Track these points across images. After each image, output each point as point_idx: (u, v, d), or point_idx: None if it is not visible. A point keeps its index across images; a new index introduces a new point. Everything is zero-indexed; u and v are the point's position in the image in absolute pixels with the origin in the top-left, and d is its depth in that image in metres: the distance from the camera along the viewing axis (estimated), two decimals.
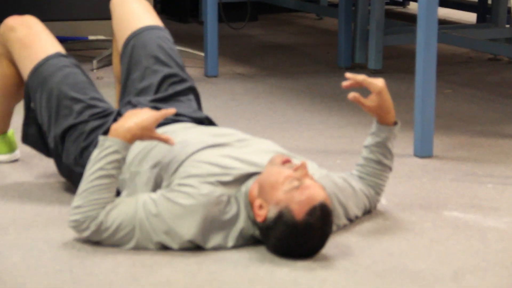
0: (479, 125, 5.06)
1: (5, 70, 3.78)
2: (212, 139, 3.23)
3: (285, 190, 2.88)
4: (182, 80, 3.69)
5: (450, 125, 5.02)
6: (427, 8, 4.21)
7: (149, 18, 3.83)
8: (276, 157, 3.02)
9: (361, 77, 3.22)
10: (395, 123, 3.36)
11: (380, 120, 3.32)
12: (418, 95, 4.32)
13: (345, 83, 3.26)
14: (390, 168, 3.43)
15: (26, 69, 3.62)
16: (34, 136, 3.69)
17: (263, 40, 7.94)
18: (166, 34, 3.82)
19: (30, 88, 3.60)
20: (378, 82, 3.23)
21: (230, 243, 3.04)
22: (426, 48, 4.23)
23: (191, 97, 3.71)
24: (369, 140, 3.38)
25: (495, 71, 6.67)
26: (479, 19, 7.72)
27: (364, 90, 3.27)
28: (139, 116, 3.02)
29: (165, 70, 3.65)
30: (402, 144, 4.39)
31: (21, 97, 3.79)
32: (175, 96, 3.64)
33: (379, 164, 3.37)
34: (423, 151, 4.33)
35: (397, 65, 6.61)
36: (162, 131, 3.27)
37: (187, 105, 3.63)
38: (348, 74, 3.24)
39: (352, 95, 3.20)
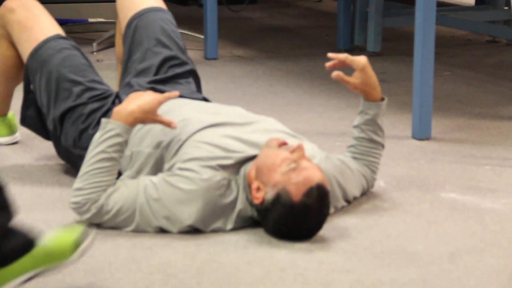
0: (477, 107, 5.04)
1: (5, 51, 3.76)
2: (213, 118, 3.20)
3: (282, 172, 2.87)
4: (183, 63, 3.67)
5: (449, 107, 5.00)
6: None
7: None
8: (273, 139, 3.01)
9: (343, 56, 3.21)
10: (382, 99, 3.35)
11: (367, 97, 3.31)
12: (416, 77, 4.30)
13: (328, 64, 3.25)
14: (382, 145, 3.42)
15: (25, 51, 3.60)
16: (33, 118, 3.67)
17: (263, 22, 7.91)
18: (169, 17, 3.80)
19: (30, 70, 3.59)
20: (361, 59, 3.22)
21: (229, 225, 3.03)
22: (424, 30, 4.21)
23: (191, 80, 3.69)
24: (358, 119, 3.37)
25: (494, 53, 6.64)
26: (477, 1, 7.68)
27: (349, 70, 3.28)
28: (141, 99, 3.00)
29: (166, 52, 3.63)
30: (401, 126, 4.38)
31: (21, 79, 3.77)
32: (175, 78, 3.62)
33: (371, 142, 3.36)
34: (422, 133, 4.32)
35: (396, 47, 6.58)
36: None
37: (186, 88, 3.61)
38: (330, 54, 3.23)
39: (335, 73, 3.19)
